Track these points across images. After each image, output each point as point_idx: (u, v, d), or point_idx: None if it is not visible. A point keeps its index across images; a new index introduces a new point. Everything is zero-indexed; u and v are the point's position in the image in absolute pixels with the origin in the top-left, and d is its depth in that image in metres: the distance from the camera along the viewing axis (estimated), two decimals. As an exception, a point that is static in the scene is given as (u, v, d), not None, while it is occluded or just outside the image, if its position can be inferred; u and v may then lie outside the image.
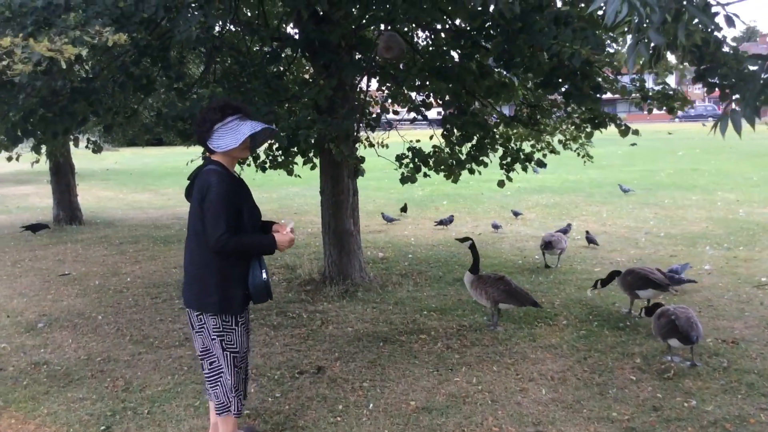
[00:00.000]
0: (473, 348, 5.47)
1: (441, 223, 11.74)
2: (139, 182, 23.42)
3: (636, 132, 6.21)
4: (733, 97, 2.47)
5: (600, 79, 5.35)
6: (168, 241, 11.17)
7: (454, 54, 5.60)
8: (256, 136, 3.64)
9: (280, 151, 6.48)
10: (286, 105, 6.01)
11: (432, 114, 7.55)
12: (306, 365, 5.24)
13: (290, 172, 8.06)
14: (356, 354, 5.42)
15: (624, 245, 9.64)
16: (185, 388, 4.88)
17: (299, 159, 8.29)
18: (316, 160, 8.19)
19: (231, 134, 3.53)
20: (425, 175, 6.54)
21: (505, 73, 5.97)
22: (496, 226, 11.34)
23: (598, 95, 5.01)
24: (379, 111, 6.05)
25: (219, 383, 3.71)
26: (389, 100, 7.03)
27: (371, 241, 10.38)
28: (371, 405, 4.47)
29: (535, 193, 16.30)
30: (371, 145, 7.45)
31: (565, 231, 9.87)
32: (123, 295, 7.57)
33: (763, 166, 20.95)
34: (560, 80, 4.86)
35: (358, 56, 6.28)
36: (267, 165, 8.26)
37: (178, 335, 6.09)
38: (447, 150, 6.47)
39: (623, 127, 6.17)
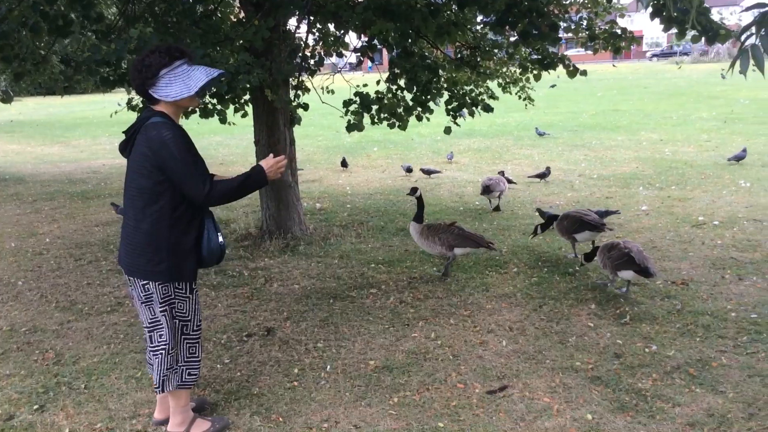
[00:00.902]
0: (427, 301, 5.31)
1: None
2: (47, 134, 22.04)
3: (584, 72, 6.08)
4: (747, 33, 2.28)
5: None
6: (86, 197, 10.49)
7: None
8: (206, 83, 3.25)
9: (215, 99, 6.01)
10: (218, 48, 5.53)
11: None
12: (254, 327, 4.96)
13: (223, 121, 7.56)
14: (306, 313, 5.18)
15: (560, 188, 9.67)
16: (123, 358, 4.52)
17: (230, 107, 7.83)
18: (248, 108, 7.74)
19: (181, 81, 3.13)
20: (373, 122, 6.23)
21: (455, 10, 5.67)
22: (409, 170, 11.23)
23: (556, 34, 4.80)
24: (322, 53, 5.66)
25: (158, 359, 3.39)
26: (322, 43, 6.63)
27: (306, 192, 10.04)
28: (328, 367, 4.26)
29: (465, 137, 16.22)
30: (306, 90, 7.05)
31: (544, 175, 9.99)
32: (43, 258, 7.02)
33: (680, 105, 21.58)
34: (515, 19, 4.61)
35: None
36: (196, 113, 7.73)
37: (109, 300, 5.67)
38: (395, 95, 6.15)
39: (571, 68, 6.01)
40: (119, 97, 38.47)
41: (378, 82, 6.45)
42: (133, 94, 6.56)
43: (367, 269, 6.17)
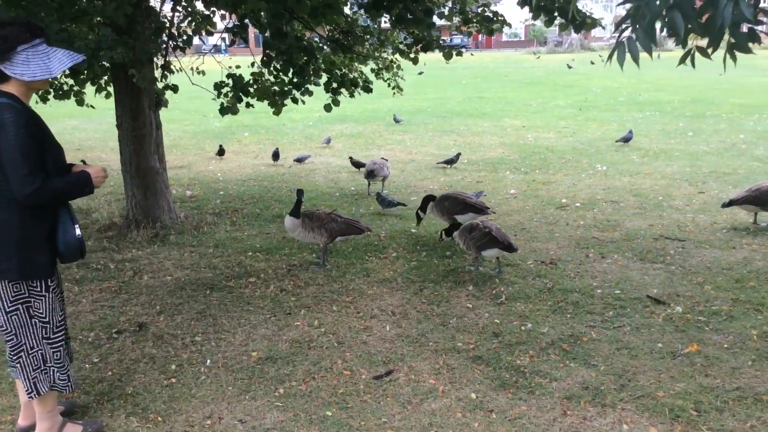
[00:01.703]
0: (308, 288, 5.24)
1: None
2: None
3: (459, 53, 6.20)
4: (624, 26, 2.38)
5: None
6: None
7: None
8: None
9: (71, 78, 5.57)
10: (75, 24, 5.13)
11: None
12: (123, 323, 4.68)
13: (81, 102, 7.06)
14: (181, 305, 4.94)
15: (433, 173, 9.87)
16: (-23, 363, 4.11)
17: (89, 88, 7.34)
18: (110, 89, 7.28)
19: (41, 60, 2.85)
20: (248, 105, 6.02)
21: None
22: (276, 156, 10.92)
23: (430, 19, 4.84)
24: (190, 32, 5.37)
25: (19, 363, 3.10)
26: (189, 20, 6.32)
27: (174, 178, 9.58)
28: (208, 361, 4.09)
29: (337, 122, 16.18)
30: (171, 72, 6.69)
31: (452, 161, 10.09)
32: None
33: (538, 93, 22.68)
34: (390, 3, 4.60)
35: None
36: (50, 95, 7.17)
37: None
38: (270, 78, 5.98)
39: (446, 50, 6.11)
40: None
41: (252, 64, 6.25)
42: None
43: (245, 258, 6.00)
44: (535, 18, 4.81)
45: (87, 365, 4.07)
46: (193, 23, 6.36)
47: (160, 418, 3.48)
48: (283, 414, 3.50)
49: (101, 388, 3.80)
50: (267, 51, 5.63)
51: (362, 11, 6.30)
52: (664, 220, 6.85)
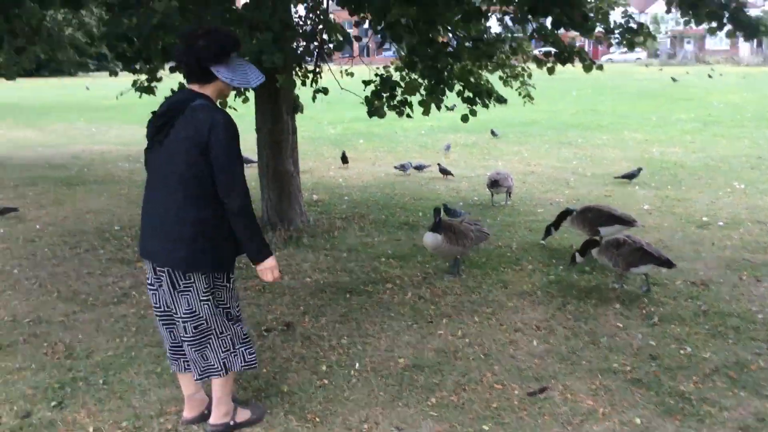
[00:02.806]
0: (446, 297, 5.20)
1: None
2: (20, 117, 21.37)
3: (600, 67, 6.01)
4: None
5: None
6: (71, 184, 10.13)
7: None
8: None
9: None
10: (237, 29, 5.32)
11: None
12: (271, 321, 4.79)
13: (225, 104, 7.35)
14: (324, 307, 5.02)
15: (556, 185, 9.64)
16: (139, 352, 4.32)
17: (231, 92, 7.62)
18: (248, 93, 7.53)
19: (242, 70, 3.04)
20: (399, 112, 6.02)
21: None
22: (404, 168, 10.64)
23: (589, 24, 4.71)
24: (341, 37, 5.47)
25: (207, 345, 3.23)
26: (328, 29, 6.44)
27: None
28: (357, 364, 4.11)
29: (449, 131, 16.12)
30: (314, 76, 6.81)
31: (633, 175, 9.54)
32: (36, 245, 6.72)
33: (656, 107, 21.79)
34: (546, 7, 4.51)
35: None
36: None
37: (114, 291, 5.44)
38: (417, 77, 5.99)
39: (587, 62, 5.93)
40: (88, 81, 37.41)
41: (396, 69, 6.28)
42: (137, 76, 6.29)
43: (379, 263, 6.03)
44: (698, 24, 4.58)
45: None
46: (327, 32, 6.48)
47: (317, 419, 3.52)
48: (438, 424, 3.47)
49: (257, 384, 3.89)
50: (412, 57, 5.63)
51: (507, 18, 6.20)
52: (820, 245, 6.38)
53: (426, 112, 6.11)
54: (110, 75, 7.85)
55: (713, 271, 5.68)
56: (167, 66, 6.25)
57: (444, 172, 10.16)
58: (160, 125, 3.04)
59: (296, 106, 7.19)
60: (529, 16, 5.10)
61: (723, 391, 3.73)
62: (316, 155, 12.94)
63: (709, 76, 35.54)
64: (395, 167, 10.75)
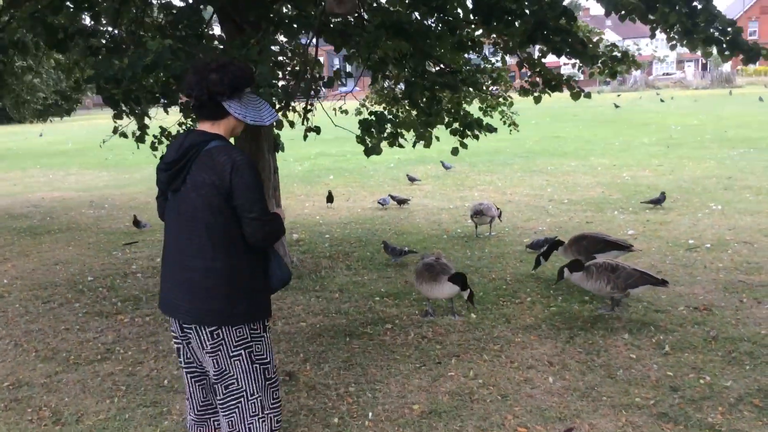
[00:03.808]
0: (450, 335, 5.01)
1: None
2: (-29, 166, 20.63)
3: (588, 95, 5.99)
4: None
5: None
6: (35, 233, 9.71)
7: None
8: None
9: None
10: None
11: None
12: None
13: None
14: (324, 353, 4.78)
15: (536, 214, 9.60)
16: (134, 413, 4.02)
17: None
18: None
19: (255, 107, 2.86)
20: (398, 144, 5.89)
21: (473, 28, 5.48)
22: (383, 203, 10.56)
23: (587, 51, 4.67)
24: (317, 74, 5.33)
25: (237, 409, 2.98)
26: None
27: (275, 221, 9.59)
28: (370, 414, 3.89)
29: (419, 163, 16.09)
30: (300, 114, 6.64)
31: (659, 200, 9.32)
32: (6, 301, 6.34)
33: (617, 131, 22.20)
34: (544, 36, 4.45)
35: (293, 12, 5.50)
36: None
37: (96, 347, 5.11)
38: (413, 111, 5.88)
39: (575, 90, 5.90)
40: (38, 128, 36.45)
41: (383, 105, 6.18)
42: (125, 120, 6.02)
43: (374, 303, 5.82)
44: (692, 50, 4.57)
45: (245, 417, 3.92)
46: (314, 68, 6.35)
47: (338, 478, 3.28)
48: (468, 475, 3.26)
49: (267, 442, 3.63)
50: (410, 91, 5.51)
51: (495, 48, 6.16)
52: (809, 262, 6.40)
53: (428, 144, 5.99)
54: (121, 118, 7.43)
55: (712, 295, 5.62)
56: (154, 108, 6.05)
57: (399, 201, 10.43)
58: (174, 172, 2.82)
59: (277, 144, 7.00)
60: (520, 47, 5.05)
61: (752, 420, 3.61)
62: (287, 193, 12.69)
63: (662, 101, 36.54)
64: (379, 202, 10.58)
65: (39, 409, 4.12)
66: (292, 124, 6.44)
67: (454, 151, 6.51)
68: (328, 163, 17.02)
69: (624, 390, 4.04)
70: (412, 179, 13.08)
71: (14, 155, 23.83)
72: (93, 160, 20.36)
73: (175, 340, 3.04)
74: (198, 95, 2.81)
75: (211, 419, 3.14)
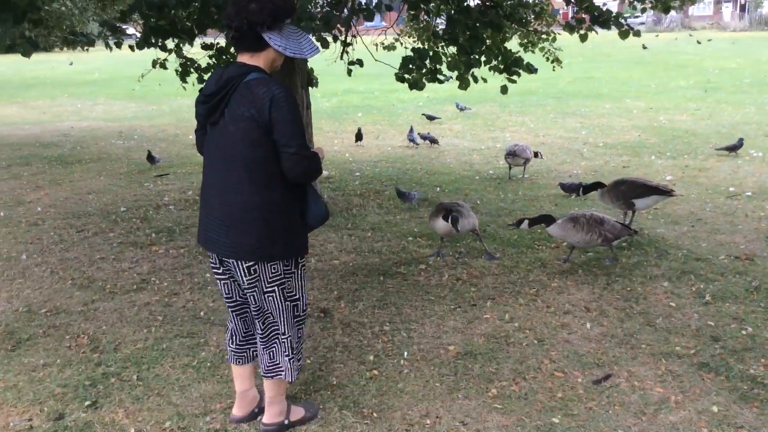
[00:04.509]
0: (484, 278, 4.97)
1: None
2: (1, 93, 20.67)
3: (638, 33, 5.74)
4: None
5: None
6: (66, 162, 9.75)
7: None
8: None
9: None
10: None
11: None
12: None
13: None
14: (358, 292, 4.77)
15: (571, 157, 9.41)
16: (171, 344, 4.06)
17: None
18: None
19: (296, 39, 2.76)
20: (439, 80, 5.73)
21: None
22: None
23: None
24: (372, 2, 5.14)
25: (275, 344, 3.00)
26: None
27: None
28: (405, 353, 3.89)
29: (447, 102, 15.80)
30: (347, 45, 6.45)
31: (735, 147, 8.85)
32: (41, 229, 6.40)
33: (651, 73, 21.60)
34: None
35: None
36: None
37: (132, 277, 5.16)
38: (455, 51, 5.69)
39: (624, 28, 5.65)
40: (66, 56, 36.14)
41: (426, 40, 5.99)
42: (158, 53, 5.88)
43: (407, 243, 5.78)
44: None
45: (282, 352, 3.94)
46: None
47: (375, 414, 3.30)
48: (505, 418, 3.26)
49: (304, 377, 3.66)
50: (454, 28, 5.31)
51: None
52: None
53: (464, 86, 5.82)
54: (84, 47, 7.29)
55: (754, 245, 5.49)
56: (196, 42, 5.90)
57: (431, 140, 10.36)
58: (213, 105, 2.74)
59: (311, 79, 6.86)
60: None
61: (797, 374, 3.55)
62: (316, 129, 12.52)
63: (698, 42, 35.36)
64: (409, 139, 10.39)
65: (77, 336, 4.18)
66: (347, 52, 6.23)
67: (504, 89, 6.34)
68: (357, 101, 16.78)
69: (664, 338, 3.98)
70: (431, 117, 12.89)
71: (42, 84, 23.83)
72: (120, 91, 20.29)
73: (216, 275, 3.02)
74: (238, 26, 2.70)
75: (251, 350, 3.15)
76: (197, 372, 3.73)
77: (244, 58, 2.77)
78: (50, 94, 20.42)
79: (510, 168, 8.21)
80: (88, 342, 4.11)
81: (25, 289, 4.94)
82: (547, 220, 5.14)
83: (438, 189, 7.64)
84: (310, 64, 6.74)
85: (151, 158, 9.07)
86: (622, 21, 5.62)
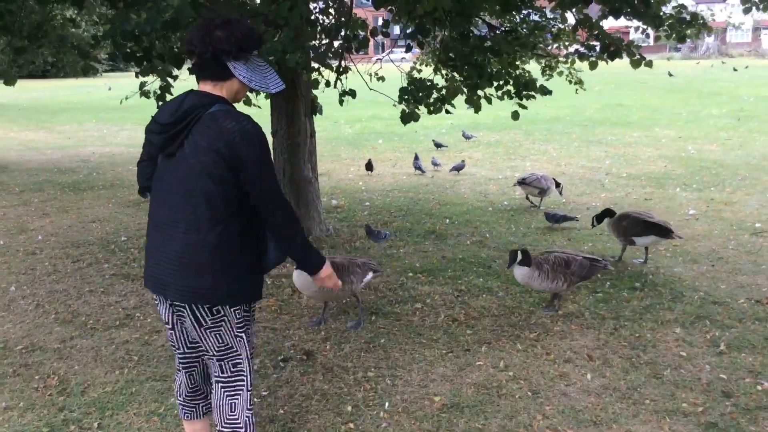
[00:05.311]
0: (483, 320, 4.67)
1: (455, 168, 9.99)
2: (31, 118, 21.06)
3: (649, 63, 5.45)
4: None
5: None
6: (78, 189, 9.71)
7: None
8: None
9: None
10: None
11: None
12: (289, 349, 4.29)
13: (249, 102, 6.98)
14: (347, 332, 4.51)
15: (590, 188, 9.07)
16: (141, 387, 3.84)
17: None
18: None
19: (261, 72, 2.58)
20: (430, 111, 5.53)
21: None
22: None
23: (651, 11, 4.16)
24: (366, 34, 4.96)
25: (240, 394, 2.71)
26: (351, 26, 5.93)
27: (317, 185, 9.34)
28: (387, 404, 3.60)
29: (470, 130, 15.54)
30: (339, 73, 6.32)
31: None
32: (37, 258, 6.27)
33: (684, 101, 21.10)
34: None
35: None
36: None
37: (116, 312, 4.97)
38: (453, 79, 5.48)
39: (636, 57, 5.36)
40: (104, 81, 36.87)
41: (432, 68, 5.79)
42: (149, 78, 5.77)
43: (406, 279, 5.51)
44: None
45: (257, 399, 3.69)
46: (354, 29, 5.98)
47: (343, 475, 3.02)
48: (485, 482, 2.95)
49: (274, 429, 3.40)
50: (448, 54, 5.11)
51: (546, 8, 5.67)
52: None
53: (477, 109, 5.58)
54: (136, 76, 7.33)
55: (779, 287, 5.11)
56: (182, 68, 5.80)
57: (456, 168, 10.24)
58: (171, 135, 2.52)
59: (315, 107, 6.69)
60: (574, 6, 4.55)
61: (818, 440, 3.18)
62: (333, 157, 12.44)
63: (734, 69, 34.55)
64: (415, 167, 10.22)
65: (48, 376, 3.98)
66: (328, 83, 6.10)
67: (515, 115, 6.09)
68: (380, 127, 16.63)
69: (670, 393, 3.63)
70: (438, 145, 12.69)
71: (73, 108, 24.22)
72: (148, 116, 20.44)
73: (165, 325, 2.77)
74: (201, 52, 2.50)
75: (200, 405, 2.89)
76: (162, 421, 3.49)
77: (207, 87, 2.57)
78: (78, 119, 20.69)
79: (527, 196, 7.95)
80: (56, 383, 3.90)
81: (6, 323, 4.79)
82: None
83: (448, 221, 7.36)
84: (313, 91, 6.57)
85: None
86: (634, 50, 5.33)
